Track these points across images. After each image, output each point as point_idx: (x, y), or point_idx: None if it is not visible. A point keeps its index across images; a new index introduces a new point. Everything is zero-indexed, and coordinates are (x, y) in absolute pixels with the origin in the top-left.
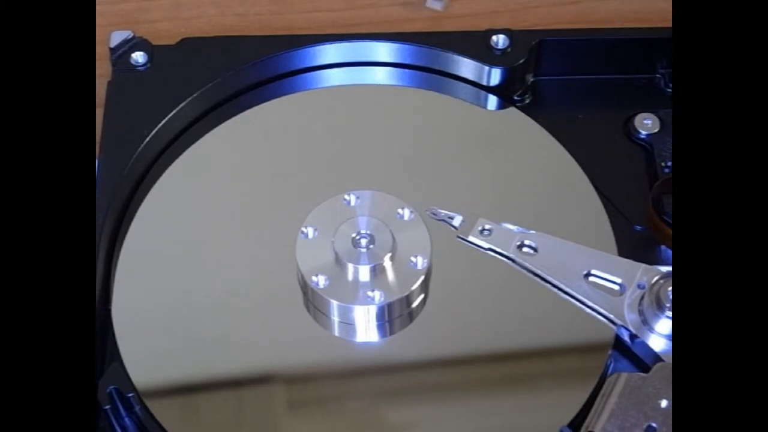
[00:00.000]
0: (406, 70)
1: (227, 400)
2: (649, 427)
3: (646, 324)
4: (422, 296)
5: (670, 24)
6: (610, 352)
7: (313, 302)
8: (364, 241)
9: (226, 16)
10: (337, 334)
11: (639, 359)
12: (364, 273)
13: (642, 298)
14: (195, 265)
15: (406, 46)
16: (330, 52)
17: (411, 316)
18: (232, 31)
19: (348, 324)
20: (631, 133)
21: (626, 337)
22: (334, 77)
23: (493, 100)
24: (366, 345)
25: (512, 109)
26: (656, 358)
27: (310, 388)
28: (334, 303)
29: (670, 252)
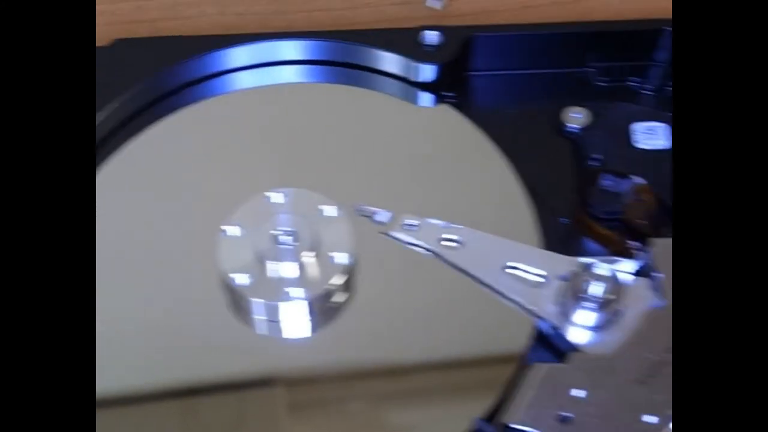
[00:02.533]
0: (338, 68)
1: (164, 408)
2: (565, 416)
3: (566, 316)
4: (346, 292)
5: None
6: (529, 343)
7: (236, 301)
8: (286, 238)
9: (225, 15)
10: (261, 332)
11: (559, 351)
12: (287, 270)
13: (563, 290)
14: (126, 272)
15: (337, 44)
16: (260, 52)
17: (335, 312)
18: (231, 31)
19: (271, 321)
20: (560, 126)
21: (546, 329)
22: (268, 76)
23: (424, 97)
24: (290, 342)
25: (443, 106)
26: (575, 349)
27: (233, 387)
28: (257, 301)
29: (594, 245)
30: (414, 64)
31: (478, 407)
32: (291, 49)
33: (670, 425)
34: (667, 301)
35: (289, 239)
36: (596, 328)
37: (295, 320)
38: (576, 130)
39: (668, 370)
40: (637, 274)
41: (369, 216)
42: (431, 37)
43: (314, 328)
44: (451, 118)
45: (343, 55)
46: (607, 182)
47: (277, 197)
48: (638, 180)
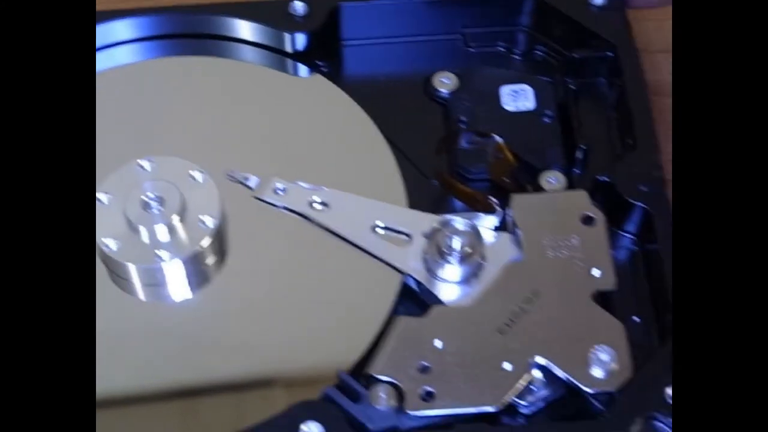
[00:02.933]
0: (211, 41)
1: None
2: (425, 366)
3: (430, 271)
4: (218, 255)
5: None
6: (395, 299)
7: (111, 268)
8: (156, 204)
9: None
10: (140, 297)
11: (425, 305)
12: (157, 234)
13: (427, 246)
14: None
15: (205, 17)
16: (132, 27)
17: (210, 274)
18: None
19: (148, 286)
20: (431, 91)
21: (412, 285)
22: (136, 51)
23: (296, 67)
24: (172, 305)
25: (316, 75)
26: (439, 302)
27: (233, 387)
28: (128, 265)
29: (460, 203)
30: (283, 33)
31: (346, 359)
32: (162, 23)
33: (533, 371)
34: (525, 255)
35: (158, 204)
36: (460, 282)
37: (170, 283)
38: (446, 95)
39: (525, 320)
40: (498, 229)
41: (241, 181)
42: (298, 7)
43: (192, 290)
44: (323, 86)
45: (214, 28)
46: (468, 142)
47: (147, 165)
48: (497, 139)
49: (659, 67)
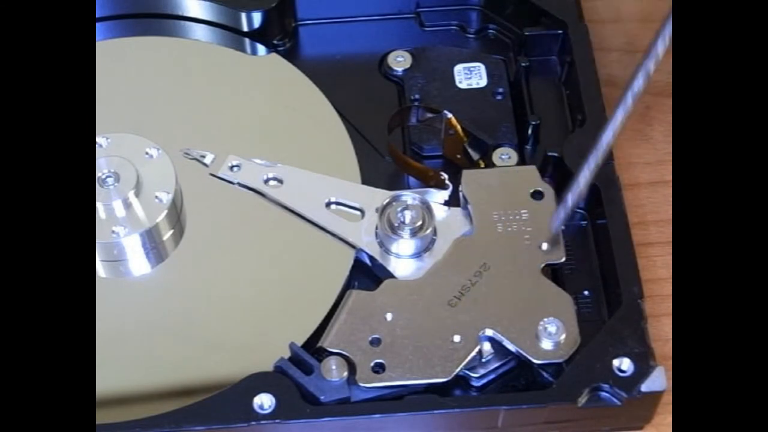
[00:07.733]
0: (165, 21)
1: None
2: (375, 339)
3: (383, 246)
4: (175, 230)
5: None
6: (348, 273)
7: None
8: (109, 180)
9: None
10: (100, 274)
11: (379, 280)
12: (111, 209)
13: (379, 221)
14: None
15: None
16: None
17: (163, 250)
18: None
19: (105, 261)
20: (385, 70)
21: (366, 260)
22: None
23: (253, 46)
24: (121, 281)
25: (273, 54)
26: (391, 276)
27: None
28: None
29: (413, 179)
30: (239, 12)
31: (300, 333)
32: (118, 3)
33: (484, 345)
34: (476, 229)
35: (114, 181)
36: (412, 256)
37: (128, 258)
38: (400, 74)
39: (475, 293)
40: (449, 204)
41: (197, 158)
42: None
43: (150, 266)
44: (279, 65)
45: (171, 8)
46: (419, 119)
47: (103, 141)
48: (448, 114)
49: (607, 38)
